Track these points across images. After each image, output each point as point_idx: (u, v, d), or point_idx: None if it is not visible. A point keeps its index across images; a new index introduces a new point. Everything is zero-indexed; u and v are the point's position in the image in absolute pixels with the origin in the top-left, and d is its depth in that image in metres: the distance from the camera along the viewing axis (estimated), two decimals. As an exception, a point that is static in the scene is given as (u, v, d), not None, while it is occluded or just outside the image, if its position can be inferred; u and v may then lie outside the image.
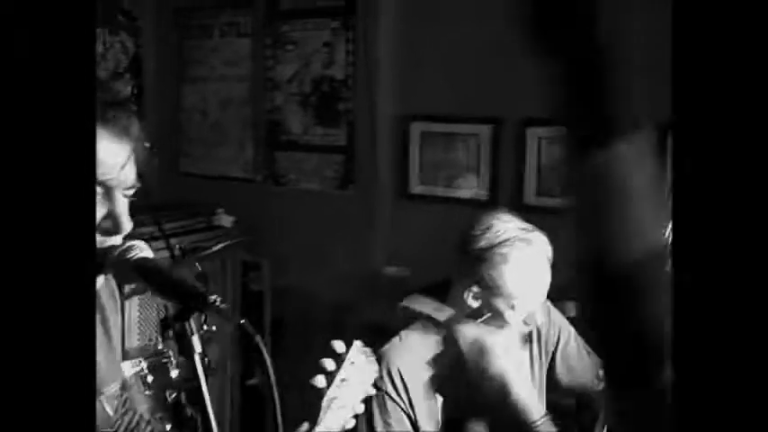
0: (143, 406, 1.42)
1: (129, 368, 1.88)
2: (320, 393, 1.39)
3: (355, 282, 3.14)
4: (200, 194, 3.53)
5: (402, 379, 1.74)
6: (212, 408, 1.08)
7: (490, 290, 1.75)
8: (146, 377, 1.87)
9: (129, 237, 1.14)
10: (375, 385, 1.51)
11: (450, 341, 1.77)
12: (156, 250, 3.03)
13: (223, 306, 1.05)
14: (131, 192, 1.15)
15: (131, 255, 1.10)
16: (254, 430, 3.28)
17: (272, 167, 3.49)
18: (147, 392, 1.48)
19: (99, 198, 1.10)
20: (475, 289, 1.76)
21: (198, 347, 1.05)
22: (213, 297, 1.04)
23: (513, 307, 1.75)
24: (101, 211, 1.10)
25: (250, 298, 3.40)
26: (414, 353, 1.78)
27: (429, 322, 1.82)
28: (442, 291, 1.86)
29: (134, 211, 1.16)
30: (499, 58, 2.68)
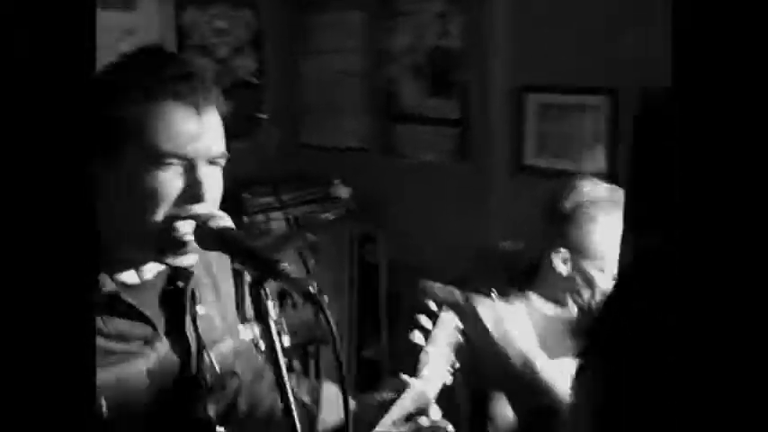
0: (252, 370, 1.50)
1: (243, 332, 1.97)
2: (418, 348, 1.44)
3: (469, 255, 3.14)
4: (318, 166, 3.61)
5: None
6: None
7: (579, 253, 1.72)
8: (258, 343, 1.96)
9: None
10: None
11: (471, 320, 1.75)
12: (274, 220, 3.13)
13: (293, 274, 1.09)
14: (221, 162, 1.21)
15: (211, 224, 1.15)
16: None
17: (389, 139, 3.52)
18: (259, 357, 1.56)
19: (181, 169, 1.15)
20: (563, 251, 1.74)
21: (273, 313, 1.11)
22: (284, 265, 1.09)
23: (602, 270, 1.72)
24: (180, 181, 1.15)
25: (366, 270, 3.47)
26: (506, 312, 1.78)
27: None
28: (534, 268, 1.84)
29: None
30: (618, 28, 2.61)
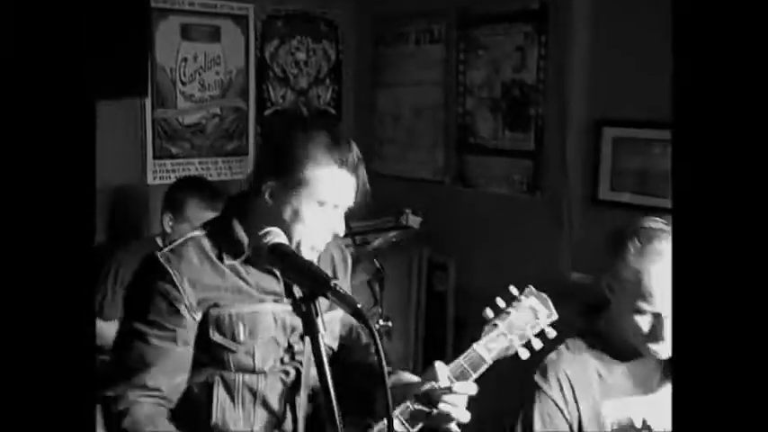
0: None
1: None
2: (486, 320, 1.62)
3: (540, 286, 3.12)
4: (391, 195, 3.65)
5: (571, 386, 1.69)
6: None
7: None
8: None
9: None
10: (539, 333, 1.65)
11: None
12: (346, 247, 3.19)
13: (343, 292, 1.25)
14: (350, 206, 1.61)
15: (267, 240, 1.39)
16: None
17: (462, 170, 3.55)
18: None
19: (331, 210, 1.55)
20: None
21: (321, 329, 1.25)
22: (335, 282, 1.25)
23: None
24: (330, 219, 1.56)
25: (434, 297, 3.47)
26: (582, 360, 1.72)
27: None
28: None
29: None
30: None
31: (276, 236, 1.40)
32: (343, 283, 1.76)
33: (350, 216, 1.56)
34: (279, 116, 3.75)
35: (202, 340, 1.58)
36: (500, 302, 1.63)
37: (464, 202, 3.50)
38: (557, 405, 1.69)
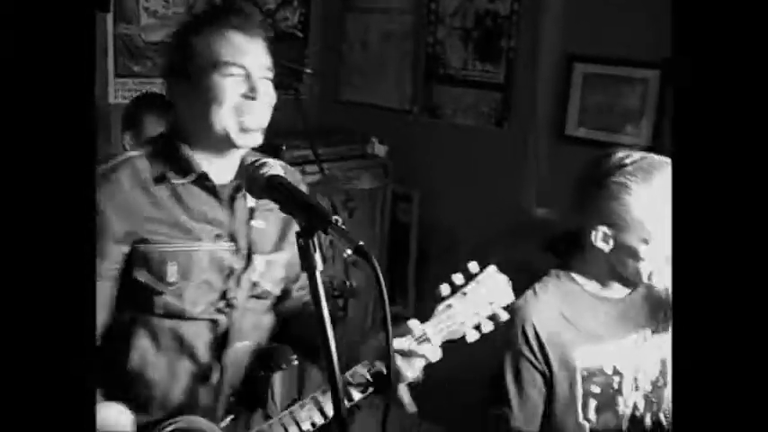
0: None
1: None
2: (439, 298, 1.47)
3: (503, 220, 3.13)
4: (357, 123, 3.61)
5: (537, 336, 1.68)
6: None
7: (618, 226, 1.62)
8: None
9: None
10: (492, 318, 1.50)
11: None
12: (309, 174, 3.15)
13: (343, 227, 1.15)
14: (270, 76, 1.50)
15: (264, 171, 1.29)
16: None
17: (429, 100, 3.50)
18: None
19: (240, 78, 1.46)
20: (603, 228, 1.64)
21: (320, 265, 1.15)
22: (335, 217, 1.16)
23: (645, 241, 1.62)
24: (243, 86, 1.46)
25: (398, 228, 3.47)
26: (550, 307, 1.71)
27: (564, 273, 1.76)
28: (574, 239, 1.76)
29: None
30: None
31: (272, 167, 1.30)
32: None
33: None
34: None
35: (127, 278, 1.45)
36: (457, 279, 1.48)
37: (430, 133, 3.47)
38: (525, 356, 1.69)
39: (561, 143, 3.07)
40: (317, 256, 1.14)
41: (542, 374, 1.70)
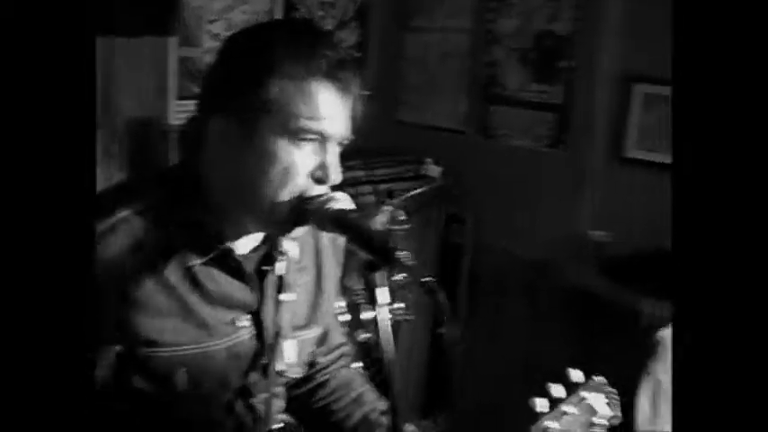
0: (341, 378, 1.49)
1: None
2: (535, 417, 1.17)
3: (558, 243, 3.10)
4: (414, 143, 3.61)
5: None
6: (401, 354, 1.11)
7: None
8: (342, 314, 1.96)
9: (340, 184, 1.19)
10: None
11: None
12: (364, 194, 3.16)
13: (410, 263, 1.05)
14: (345, 143, 1.19)
15: (329, 206, 1.12)
16: (441, 378, 3.38)
17: (485, 121, 3.49)
18: (342, 330, 1.55)
19: (315, 147, 1.14)
20: None
21: (382, 299, 1.05)
22: (402, 253, 1.05)
23: None
24: (314, 160, 1.14)
25: (450, 250, 3.46)
26: None
27: None
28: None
29: (348, 155, 1.23)
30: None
31: (338, 201, 1.14)
32: (331, 279, 1.41)
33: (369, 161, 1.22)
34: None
35: (121, 382, 1.14)
36: (555, 390, 1.18)
37: (485, 154, 3.45)
38: None
39: (619, 165, 3.03)
40: (379, 292, 1.05)
41: None
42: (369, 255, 1.08)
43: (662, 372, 1.60)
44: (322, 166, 1.15)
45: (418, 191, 3.14)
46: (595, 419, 1.20)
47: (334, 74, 1.12)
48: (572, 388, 1.20)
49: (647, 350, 1.54)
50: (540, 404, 1.16)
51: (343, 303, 2.16)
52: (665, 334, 1.59)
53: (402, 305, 2.54)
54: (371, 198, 2.94)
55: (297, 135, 1.12)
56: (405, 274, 1.07)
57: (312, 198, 1.14)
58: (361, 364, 1.30)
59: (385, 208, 2.94)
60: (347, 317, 2.27)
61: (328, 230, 1.15)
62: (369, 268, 1.07)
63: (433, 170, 3.42)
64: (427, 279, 1.06)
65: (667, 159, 2.85)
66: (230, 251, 1.19)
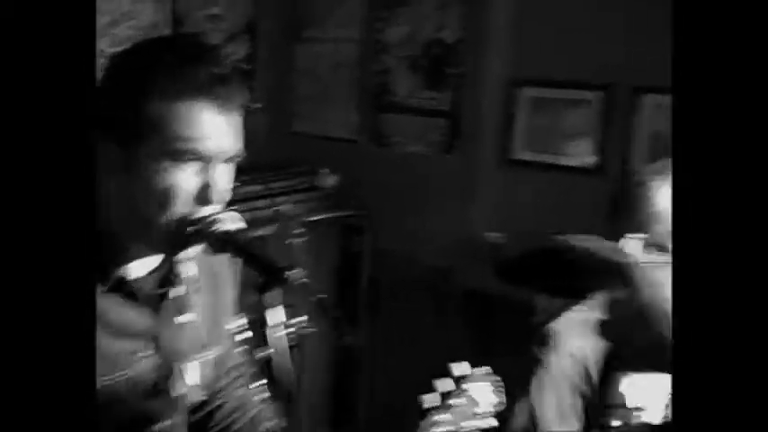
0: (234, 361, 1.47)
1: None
2: (424, 412, 1.24)
3: (454, 246, 3.15)
4: (309, 154, 3.60)
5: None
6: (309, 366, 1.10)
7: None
8: (243, 332, 1.92)
9: (235, 200, 1.16)
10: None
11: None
12: (261, 209, 3.10)
13: (302, 281, 1.04)
14: (235, 161, 1.15)
15: (216, 227, 1.10)
16: (347, 389, 3.38)
17: (378, 129, 3.52)
18: (239, 348, 1.51)
19: (197, 168, 1.10)
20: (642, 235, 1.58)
21: (274, 320, 1.05)
22: (293, 272, 1.04)
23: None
24: (196, 181, 1.10)
25: (349, 258, 3.46)
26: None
27: None
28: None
29: (243, 169, 1.19)
30: (612, 23, 2.61)
31: (224, 222, 1.11)
32: (228, 298, 1.40)
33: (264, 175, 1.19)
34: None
35: None
36: (443, 384, 1.26)
37: (379, 162, 3.48)
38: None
39: (509, 167, 3.11)
40: (270, 312, 1.05)
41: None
42: (260, 275, 1.07)
43: (554, 361, 1.66)
44: (205, 187, 1.11)
45: (313, 202, 3.13)
46: (479, 409, 1.28)
47: (214, 91, 1.08)
48: (459, 381, 1.27)
49: (541, 342, 1.60)
50: (431, 400, 1.23)
51: (244, 320, 2.12)
52: (557, 326, 1.66)
53: (304, 318, 2.49)
54: (269, 212, 2.91)
55: (176, 157, 1.08)
56: (296, 293, 1.06)
57: (199, 220, 1.11)
58: (264, 382, 1.27)
59: (280, 221, 2.93)
60: (249, 334, 2.23)
61: (219, 252, 1.13)
62: (260, 289, 1.07)
63: (328, 180, 3.42)
64: (319, 297, 1.06)
65: (553, 159, 2.96)
66: (124, 277, 1.17)
